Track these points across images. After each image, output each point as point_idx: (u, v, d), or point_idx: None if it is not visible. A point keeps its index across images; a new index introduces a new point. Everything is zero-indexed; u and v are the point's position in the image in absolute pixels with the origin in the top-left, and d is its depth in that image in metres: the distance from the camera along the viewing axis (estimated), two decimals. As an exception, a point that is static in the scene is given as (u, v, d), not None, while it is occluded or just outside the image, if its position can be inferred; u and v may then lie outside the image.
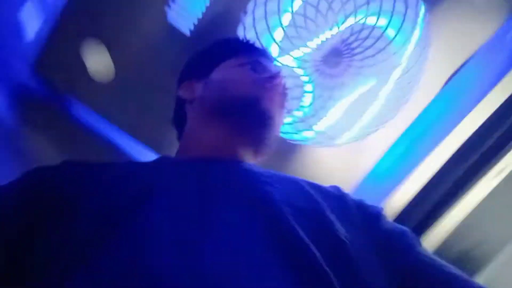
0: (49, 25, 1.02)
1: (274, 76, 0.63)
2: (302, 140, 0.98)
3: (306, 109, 0.92)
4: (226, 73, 0.64)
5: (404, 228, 0.52)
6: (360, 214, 0.50)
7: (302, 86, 0.92)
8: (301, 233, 0.42)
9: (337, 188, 0.55)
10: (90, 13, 1.06)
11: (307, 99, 0.92)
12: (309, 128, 0.94)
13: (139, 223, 0.39)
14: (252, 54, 0.69)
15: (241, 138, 0.59)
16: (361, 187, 1.33)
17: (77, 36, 1.00)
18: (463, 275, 0.44)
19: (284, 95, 0.66)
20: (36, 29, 1.02)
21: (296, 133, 0.95)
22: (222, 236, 0.40)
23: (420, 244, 0.49)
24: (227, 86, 0.61)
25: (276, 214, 0.44)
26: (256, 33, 0.83)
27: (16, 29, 1.00)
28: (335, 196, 0.52)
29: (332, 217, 0.46)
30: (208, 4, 0.90)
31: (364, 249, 0.45)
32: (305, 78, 0.89)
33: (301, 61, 0.87)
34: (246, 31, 0.85)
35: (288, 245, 0.40)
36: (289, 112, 0.93)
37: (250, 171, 0.53)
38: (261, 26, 0.84)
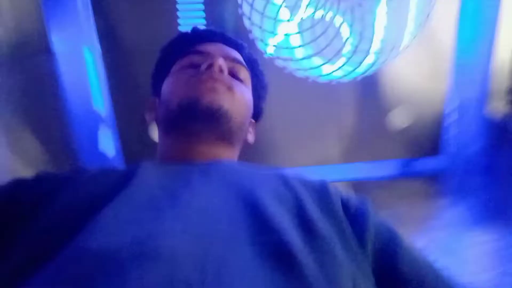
0: (116, 134, 1.14)
1: (211, 64, 0.59)
2: (369, 69, 0.93)
3: (351, 40, 0.88)
4: (168, 84, 0.62)
5: (389, 226, 0.50)
6: (344, 209, 0.49)
7: (333, 24, 0.88)
8: (275, 216, 0.41)
9: (323, 183, 0.53)
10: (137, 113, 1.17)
11: (345, 31, 0.87)
12: (366, 54, 0.88)
13: (106, 214, 0.39)
14: (191, 46, 0.66)
15: (203, 140, 0.57)
16: (457, 74, 1.20)
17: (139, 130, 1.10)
18: (442, 276, 0.44)
19: (229, 77, 0.61)
20: (111, 145, 1.16)
21: (358, 67, 0.90)
22: (186, 214, 0.39)
23: (402, 242, 0.48)
24: (169, 97, 0.60)
25: (251, 199, 0.43)
26: (259, 12, 0.83)
27: (102, 154, 1.14)
28: (319, 191, 0.51)
29: (312, 207, 0.45)
30: (204, 18, 0.92)
31: (341, 242, 0.43)
32: (330, 14, 0.85)
33: (314, 2, 0.84)
34: (251, 17, 0.85)
35: (261, 228, 0.39)
36: (338, 54, 0.89)
37: (229, 167, 0.53)
38: (259, 3, 0.83)
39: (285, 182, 0.50)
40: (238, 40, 0.71)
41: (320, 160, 1.21)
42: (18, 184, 0.48)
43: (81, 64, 1.20)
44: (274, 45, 0.90)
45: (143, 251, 0.34)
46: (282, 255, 0.37)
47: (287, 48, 0.90)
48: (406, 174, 1.30)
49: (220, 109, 0.56)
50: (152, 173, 0.48)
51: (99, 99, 1.24)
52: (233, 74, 0.63)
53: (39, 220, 0.42)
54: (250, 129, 0.70)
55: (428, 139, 1.28)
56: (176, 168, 0.51)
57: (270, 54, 0.92)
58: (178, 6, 0.97)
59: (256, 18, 0.84)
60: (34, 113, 1.04)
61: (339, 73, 0.92)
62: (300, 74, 0.94)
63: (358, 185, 1.31)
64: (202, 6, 0.94)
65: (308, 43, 0.90)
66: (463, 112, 1.21)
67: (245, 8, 0.82)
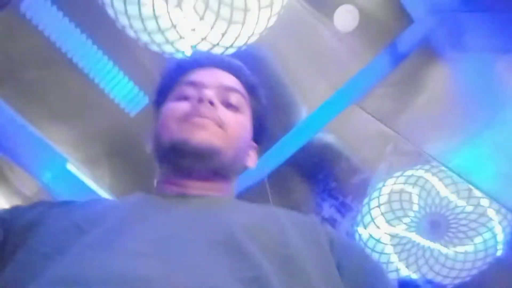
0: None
1: (201, 98, 0.59)
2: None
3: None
4: (161, 117, 0.63)
5: (377, 271, 0.53)
6: (331, 248, 0.51)
7: None
8: (254, 253, 0.43)
9: (312, 220, 0.56)
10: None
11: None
12: None
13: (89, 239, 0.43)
14: (188, 72, 0.66)
15: (195, 176, 0.59)
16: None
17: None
18: None
19: (221, 108, 0.61)
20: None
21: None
22: (160, 246, 0.42)
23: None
24: (161, 132, 0.61)
25: (231, 238, 0.45)
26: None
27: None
28: (308, 228, 0.53)
29: (297, 241, 0.48)
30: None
31: (324, 278, 0.45)
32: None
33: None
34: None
35: (237, 258, 0.42)
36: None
37: (218, 205, 0.55)
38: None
39: (273, 217, 0.52)
40: (236, 63, 0.71)
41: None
42: (14, 210, 0.54)
43: (75, 179, 1.26)
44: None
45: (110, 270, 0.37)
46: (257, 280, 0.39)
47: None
48: (396, 61, 1.21)
49: (211, 147, 0.56)
50: (138, 208, 0.52)
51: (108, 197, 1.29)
52: (227, 103, 0.63)
53: (25, 245, 0.46)
54: (251, 153, 0.68)
55: (391, 19, 1.18)
56: (165, 203, 0.54)
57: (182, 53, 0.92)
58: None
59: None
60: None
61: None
62: (219, 50, 0.93)
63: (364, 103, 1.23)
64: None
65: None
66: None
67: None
